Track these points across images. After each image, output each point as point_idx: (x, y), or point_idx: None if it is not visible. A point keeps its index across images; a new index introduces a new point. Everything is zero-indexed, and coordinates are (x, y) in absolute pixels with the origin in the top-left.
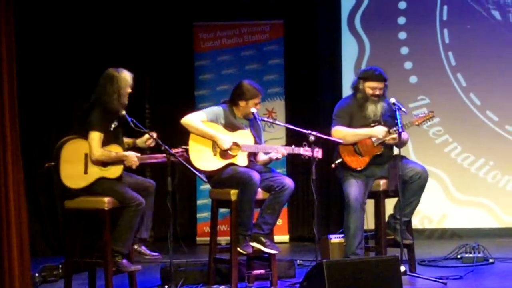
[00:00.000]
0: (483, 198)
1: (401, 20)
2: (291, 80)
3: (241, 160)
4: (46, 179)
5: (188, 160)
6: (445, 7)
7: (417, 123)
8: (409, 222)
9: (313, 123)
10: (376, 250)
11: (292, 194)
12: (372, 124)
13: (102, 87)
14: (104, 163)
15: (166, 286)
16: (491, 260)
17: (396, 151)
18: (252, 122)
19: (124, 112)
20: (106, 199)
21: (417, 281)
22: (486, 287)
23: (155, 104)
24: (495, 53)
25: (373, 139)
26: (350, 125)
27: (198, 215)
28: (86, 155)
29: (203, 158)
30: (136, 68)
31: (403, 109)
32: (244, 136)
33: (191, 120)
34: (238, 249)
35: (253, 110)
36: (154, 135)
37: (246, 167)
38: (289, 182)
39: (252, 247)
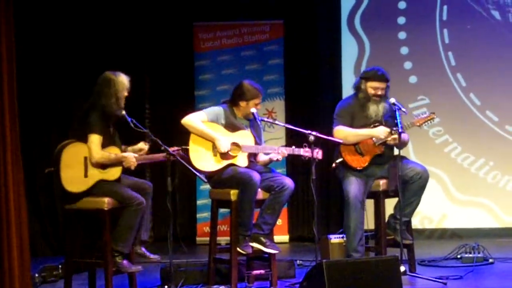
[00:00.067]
0: (483, 198)
1: (401, 20)
2: (291, 80)
3: (241, 160)
4: (46, 184)
5: (186, 159)
6: (445, 7)
7: (418, 124)
8: (409, 222)
9: (313, 123)
10: (376, 250)
11: (292, 194)
12: (374, 125)
13: (99, 90)
14: (103, 166)
15: (166, 286)
16: (491, 260)
17: (397, 151)
18: (252, 122)
19: (124, 112)
20: (106, 199)
21: (417, 281)
22: (486, 287)
23: (155, 104)
24: (495, 53)
25: (374, 139)
26: (351, 125)
27: (198, 215)
28: (85, 158)
29: (203, 159)
30: (136, 68)
31: (403, 109)
32: (245, 137)
33: (191, 120)
34: (238, 249)
35: (253, 110)
36: (146, 147)
37: (246, 167)
38: (289, 182)
39: (252, 247)
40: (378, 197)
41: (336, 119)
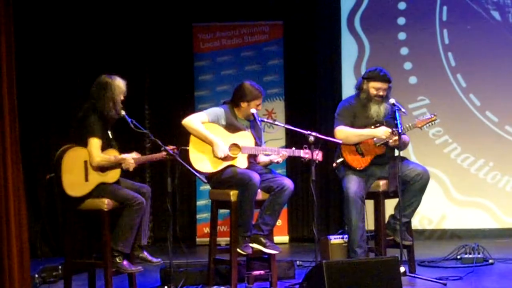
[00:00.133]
0: (482, 199)
1: (401, 20)
2: (291, 80)
3: (241, 161)
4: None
5: (183, 158)
6: (445, 7)
7: (419, 126)
8: (409, 223)
9: (313, 124)
10: (376, 251)
11: (292, 195)
12: (375, 125)
13: (96, 93)
14: (102, 168)
15: (166, 287)
16: (490, 261)
17: (397, 152)
18: (253, 123)
19: (124, 113)
20: (105, 200)
21: (417, 282)
22: (485, 287)
23: (155, 105)
24: (495, 54)
25: (375, 140)
26: (352, 125)
27: (198, 216)
28: (85, 162)
29: (203, 160)
30: (136, 69)
31: (403, 109)
32: (245, 138)
33: (191, 121)
34: (238, 250)
35: (253, 110)
36: (132, 165)
37: (246, 168)
38: (288, 183)
39: (252, 248)
40: (378, 198)
41: (337, 119)
